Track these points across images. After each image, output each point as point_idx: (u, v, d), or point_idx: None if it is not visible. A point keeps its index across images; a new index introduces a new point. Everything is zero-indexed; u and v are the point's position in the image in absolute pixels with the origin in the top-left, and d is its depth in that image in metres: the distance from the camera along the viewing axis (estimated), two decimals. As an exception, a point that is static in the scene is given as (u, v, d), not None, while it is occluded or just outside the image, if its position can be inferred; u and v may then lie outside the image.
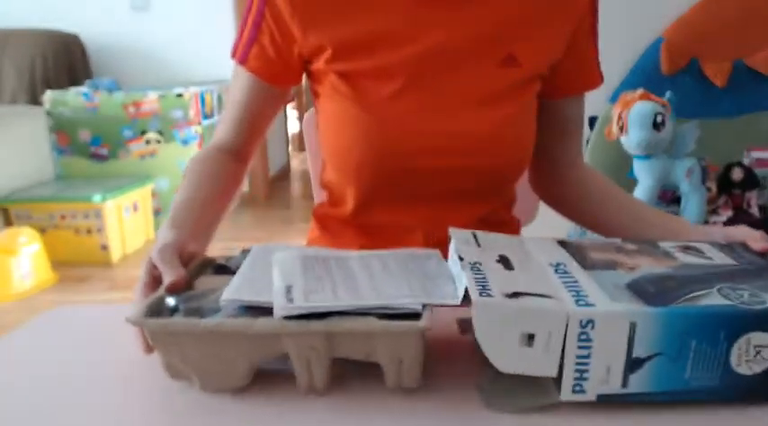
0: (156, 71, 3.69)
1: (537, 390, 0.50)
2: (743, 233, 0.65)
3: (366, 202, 0.81)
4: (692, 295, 0.48)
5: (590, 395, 0.47)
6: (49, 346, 0.62)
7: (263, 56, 0.78)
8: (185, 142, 3.16)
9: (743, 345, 0.46)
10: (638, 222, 0.80)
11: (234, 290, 0.51)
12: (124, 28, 3.67)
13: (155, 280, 0.57)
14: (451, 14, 0.74)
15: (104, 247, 2.87)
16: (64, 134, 3.19)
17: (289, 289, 0.51)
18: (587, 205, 0.88)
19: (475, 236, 0.59)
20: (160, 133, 3.16)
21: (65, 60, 3.46)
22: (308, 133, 1.13)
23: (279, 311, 0.48)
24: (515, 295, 0.47)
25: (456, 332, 0.60)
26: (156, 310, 0.52)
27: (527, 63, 0.76)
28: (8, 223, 2.87)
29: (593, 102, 0.90)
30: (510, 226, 0.91)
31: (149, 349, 0.53)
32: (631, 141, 1.92)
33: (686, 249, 0.59)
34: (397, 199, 0.80)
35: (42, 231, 2.81)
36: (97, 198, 2.79)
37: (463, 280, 0.50)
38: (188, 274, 0.58)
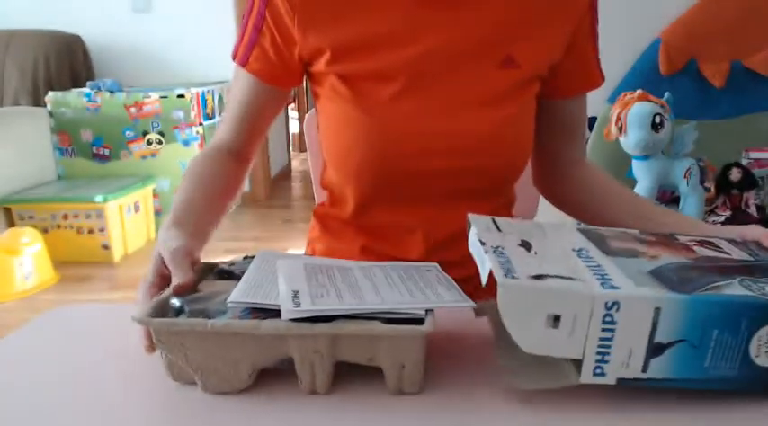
0: (158, 72, 3.70)
1: (557, 371, 0.50)
2: (756, 232, 0.66)
3: (366, 203, 0.82)
4: (714, 284, 0.48)
5: (610, 379, 0.47)
6: (51, 345, 0.63)
7: (264, 58, 0.78)
8: (186, 143, 3.16)
9: (763, 336, 0.46)
10: (644, 219, 0.80)
11: (241, 293, 0.52)
12: (126, 29, 3.68)
13: (162, 280, 0.58)
14: (450, 16, 0.74)
15: (106, 247, 2.88)
16: (66, 134, 3.20)
17: (295, 294, 0.52)
18: (591, 202, 0.89)
19: (495, 222, 0.59)
20: (161, 134, 3.16)
21: (67, 61, 3.46)
22: (309, 134, 1.14)
23: (287, 314, 0.49)
24: (540, 277, 0.47)
25: (456, 334, 0.61)
26: (162, 310, 0.53)
27: (526, 64, 0.76)
28: (11, 223, 2.87)
29: (592, 102, 0.90)
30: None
31: (152, 348, 0.54)
32: (630, 142, 1.93)
33: (703, 243, 0.59)
34: (398, 199, 0.80)
35: (44, 231, 2.81)
36: (99, 198, 2.80)
37: (486, 264, 0.49)
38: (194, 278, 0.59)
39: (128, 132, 3.17)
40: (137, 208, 3.07)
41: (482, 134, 0.76)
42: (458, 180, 0.78)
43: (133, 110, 3.14)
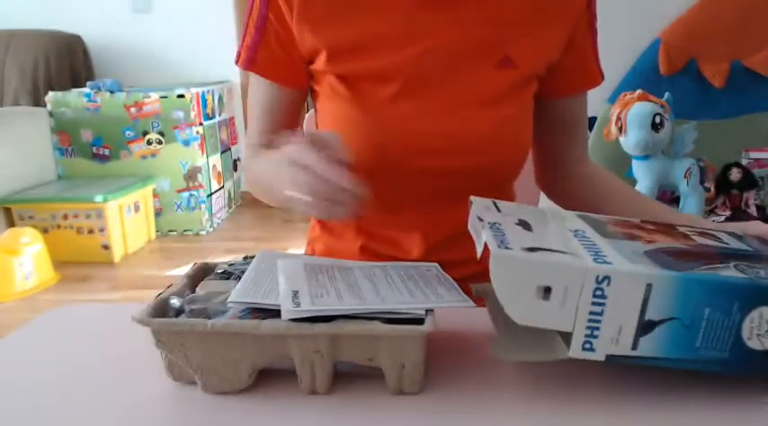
0: (158, 72, 3.70)
1: (547, 345, 0.50)
2: (760, 227, 0.66)
3: (365, 203, 0.82)
4: (709, 266, 0.48)
5: (599, 354, 0.47)
6: (51, 345, 0.63)
7: (272, 58, 0.78)
8: (186, 143, 3.16)
9: (755, 318, 0.46)
10: (646, 216, 0.81)
11: (241, 293, 0.52)
12: (126, 29, 3.68)
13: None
14: (448, 17, 0.74)
15: (106, 247, 2.88)
16: (66, 134, 3.20)
17: (295, 294, 0.52)
18: (593, 200, 0.89)
19: (495, 204, 0.60)
20: (161, 134, 3.16)
21: (67, 61, 3.46)
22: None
23: (286, 314, 0.49)
24: (533, 249, 0.47)
25: (456, 335, 0.61)
26: (162, 310, 0.53)
27: (524, 64, 0.77)
28: (11, 223, 2.88)
29: (592, 102, 0.90)
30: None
31: None
32: (630, 142, 1.93)
33: (703, 234, 0.59)
34: (396, 199, 0.80)
35: (44, 231, 2.82)
36: (99, 198, 2.80)
37: (482, 237, 0.50)
38: (191, 280, 0.59)
39: (128, 132, 3.17)
40: (137, 208, 3.07)
41: (480, 134, 0.76)
42: (456, 180, 0.78)
43: (133, 110, 3.14)
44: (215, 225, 3.39)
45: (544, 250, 0.47)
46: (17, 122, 3.03)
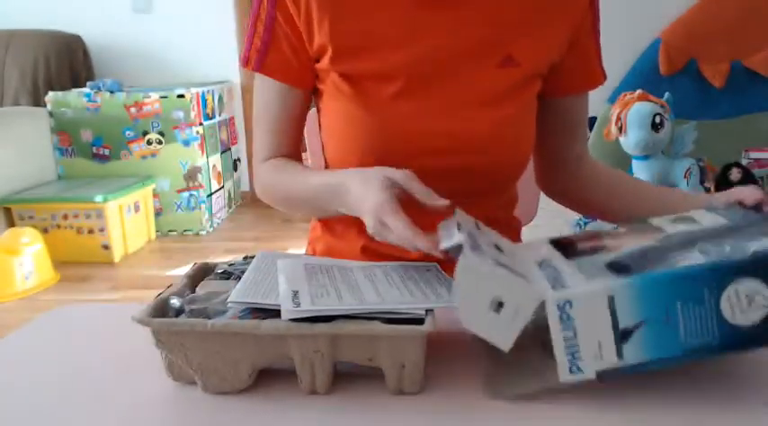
0: (158, 72, 3.70)
1: (537, 375, 0.51)
2: (745, 192, 0.66)
3: None
4: (672, 259, 0.49)
5: (589, 373, 0.48)
6: (51, 345, 0.63)
7: (282, 60, 0.78)
8: (186, 143, 3.16)
9: (732, 297, 0.46)
10: (643, 201, 0.82)
11: (241, 293, 0.52)
12: (126, 29, 3.68)
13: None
14: (450, 16, 0.74)
15: (106, 247, 2.88)
16: (66, 134, 3.20)
17: (295, 294, 0.52)
18: (595, 196, 0.90)
19: (477, 224, 0.62)
20: (161, 134, 3.16)
21: (67, 61, 3.46)
22: (309, 133, 1.14)
23: (286, 314, 0.49)
24: (501, 265, 0.49)
25: (456, 335, 0.61)
26: (162, 310, 0.53)
27: (526, 63, 0.77)
28: (11, 223, 2.88)
29: (592, 102, 0.90)
30: (511, 227, 0.91)
31: None
32: (630, 142, 1.93)
33: (678, 220, 0.60)
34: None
35: (44, 231, 2.82)
36: (99, 198, 2.80)
37: (455, 238, 0.52)
38: (191, 280, 0.59)
39: (128, 132, 3.17)
40: (137, 208, 3.07)
41: (483, 133, 0.76)
42: (458, 179, 0.78)
43: (133, 110, 3.14)
44: (215, 225, 3.39)
45: (508, 268, 0.49)
46: (17, 122, 3.03)
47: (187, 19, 3.65)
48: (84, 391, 0.53)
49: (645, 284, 0.46)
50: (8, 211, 2.89)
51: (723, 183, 2.08)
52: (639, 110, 1.90)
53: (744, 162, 2.20)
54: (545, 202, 1.13)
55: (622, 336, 0.47)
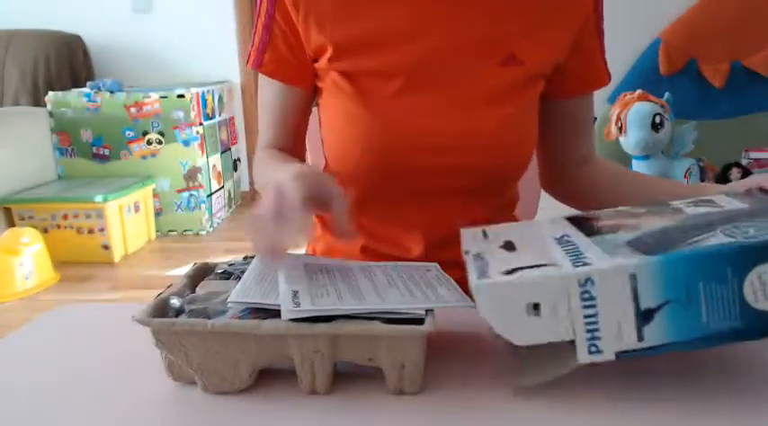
0: (158, 72, 3.70)
1: (555, 360, 0.50)
2: (760, 179, 0.64)
3: (367, 201, 0.82)
4: (694, 239, 0.48)
5: (608, 354, 0.47)
6: (51, 345, 0.63)
7: (279, 58, 0.78)
8: (186, 143, 3.16)
9: (755, 281, 0.45)
10: (652, 197, 0.79)
11: (241, 293, 0.52)
12: (126, 29, 3.68)
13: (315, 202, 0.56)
14: (452, 13, 0.74)
15: (106, 247, 2.88)
16: (66, 135, 3.20)
17: (295, 294, 0.52)
18: (603, 196, 0.88)
19: (484, 232, 0.60)
20: (161, 134, 3.16)
21: (67, 61, 3.46)
22: (309, 132, 1.14)
23: (286, 314, 0.49)
24: (512, 271, 0.48)
25: (456, 335, 0.61)
26: (162, 310, 0.53)
27: (529, 62, 0.76)
28: (11, 223, 2.88)
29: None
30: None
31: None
32: (630, 142, 1.93)
33: (698, 203, 0.58)
34: (398, 198, 0.80)
35: (45, 231, 2.82)
36: (99, 198, 2.80)
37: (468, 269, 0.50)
38: (191, 280, 0.59)
39: (128, 132, 3.17)
40: (137, 208, 3.07)
41: (484, 132, 0.76)
42: (459, 178, 0.78)
43: (133, 110, 3.14)
44: (215, 225, 3.39)
45: (524, 268, 0.48)
46: (17, 122, 3.03)
47: (187, 19, 3.65)
48: (84, 391, 0.53)
49: (668, 262, 0.45)
50: (8, 211, 2.89)
51: (723, 183, 2.08)
52: (639, 110, 1.90)
53: (744, 162, 2.20)
54: (545, 202, 1.13)
55: (644, 316, 0.46)
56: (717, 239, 0.47)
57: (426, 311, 0.52)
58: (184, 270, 0.74)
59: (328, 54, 0.76)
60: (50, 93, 3.18)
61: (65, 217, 2.86)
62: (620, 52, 2.47)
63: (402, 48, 0.74)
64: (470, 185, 0.79)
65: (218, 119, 3.48)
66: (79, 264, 2.84)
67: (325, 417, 0.49)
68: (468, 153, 0.76)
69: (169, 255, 3.02)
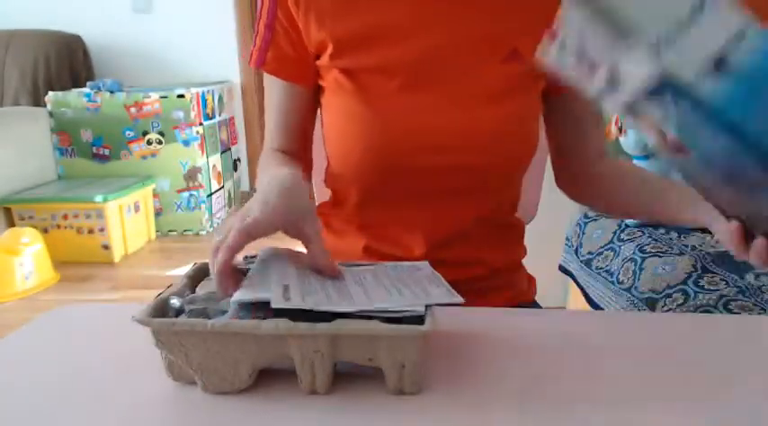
0: (158, 72, 3.70)
1: None
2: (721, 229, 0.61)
3: (368, 201, 0.82)
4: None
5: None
6: (51, 345, 0.63)
7: (282, 56, 0.78)
8: (186, 143, 3.16)
9: None
10: (664, 203, 0.77)
11: (245, 292, 0.52)
12: (126, 29, 3.68)
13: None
14: (454, 11, 0.74)
15: (106, 247, 2.88)
16: (66, 134, 3.20)
17: (286, 288, 0.52)
18: (616, 195, 0.86)
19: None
20: (161, 134, 3.16)
21: (67, 61, 3.46)
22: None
23: (276, 304, 0.49)
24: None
25: (456, 335, 0.61)
26: (161, 311, 0.53)
27: (532, 57, 0.76)
28: (11, 223, 2.88)
29: (592, 102, 0.90)
30: (513, 228, 0.90)
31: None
32: (630, 142, 1.92)
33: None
34: (400, 197, 0.80)
35: (44, 231, 2.82)
36: (99, 198, 2.80)
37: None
38: (191, 280, 0.59)
39: (128, 132, 3.17)
40: (137, 208, 3.07)
41: (485, 130, 0.75)
42: (460, 177, 0.77)
43: (133, 110, 3.14)
44: (215, 225, 3.39)
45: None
46: (17, 122, 3.03)
47: (187, 19, 3.65)
48: (84, 391, 0.53)
49: None
50: (8, 211, 2.89)
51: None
52: (639, 110, 1.90)
53: (744, 162, 2.19)
54: (545, 202, 1.13)
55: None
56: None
57: (426, 311, 0.52)
58: (184, 270, 0.74)
59: (329, 50, 0.75)
60: (50, 93, 3.18)
61: (65, 217, 2.86)
62: (621, 52, 2.47)
63: (402, 44, 0.74)
64: (472, 184, 0.79)
65: (218, 119, 3.48)
66: (79, 264, 2.85)
67: (325, 417, 0.49)
68: (469, 151, 0.76)
69: (169, 255, 3.02)
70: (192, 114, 3.13)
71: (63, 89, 3.31)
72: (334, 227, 0.89)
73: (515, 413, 0.49)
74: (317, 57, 0.78)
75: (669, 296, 1.20)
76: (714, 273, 1.21)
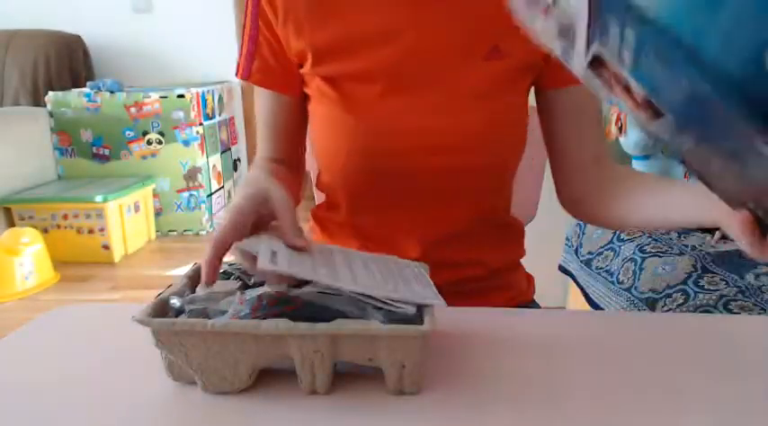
0: (158, 72, 3.70)
1: None
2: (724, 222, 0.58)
3: (359, 204, 0.82)
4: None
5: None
6: (51, 345, 0.63)
7: (266, 68, 0.79)
8: (186, 143, 3.16)
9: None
10: (668, 212, 0.72)
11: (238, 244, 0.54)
12: (126, 29, 3.68)
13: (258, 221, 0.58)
14: (430, 12, 0.73)
15: (106, 247, 2.88)
16: (66, 134, 3.20)
17: (274, 254, 0.52)
18: (614, 201, 0.79)
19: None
20: (161, 134, 3.16)
21: (67, 61, 3.46)
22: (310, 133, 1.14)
23: (262, 265, 0.49)
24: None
25: (456, 335, 0.61)
26: (161, 311, 0.53)
27: (515, 54, 0.74)
28: (11, 223, 2.88)
29: (592, 102, 0.89)
30: (510, 228, 0.90)
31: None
32: (630, 142, 1.93)
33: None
34: (389, 200, 0.80)
35: (44, 231, 2.82)
36: (99, 198, 2.80)
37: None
38: (191, 280, 0.59)
39: (128, 132, 3.17)
40: (137, 208, 3.07)
41: (471, 130, 0.74)
42: (447, 178, 0.77)
43: (133, 110, 3.14)
44: (215, 225, 3.39)
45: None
46: (17, 122, 3.03)
47: (187, 19, 3.65)
48: (83, 391, 0.53)
49: None
50: (8, 211, 2.89)
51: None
52: (639, 110, 1.90)
53: (744, 162, 2.19)
54: (545, 202, 1.13)
55: None
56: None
57: (426, 310, 0.52)
58: (184, 270, 0.74)
59: (309, 59, 0.76)
60: (50, 93, 3.18)
61: (65, 217, 2.86)
62: (620, 52, 2.47)
63: (381, 49, 0.73)
64: (460, 185, 0.78)
65: (218, 119, 3.48)
66: (79, 264, 2.84)
67: (325, 417, 0.49)
68: (455, 152, 0.75)
69: (169, 255, 3.02)
70: (192, 114, 3.13)
71: (63, 89, 3.31)
72: (328, 230, 0.89)
73: (515, 413, 0.49)
74: (300, 65, 0.78)
75: (669, 296, 1.20)
76: (714, 273, 1.21)
